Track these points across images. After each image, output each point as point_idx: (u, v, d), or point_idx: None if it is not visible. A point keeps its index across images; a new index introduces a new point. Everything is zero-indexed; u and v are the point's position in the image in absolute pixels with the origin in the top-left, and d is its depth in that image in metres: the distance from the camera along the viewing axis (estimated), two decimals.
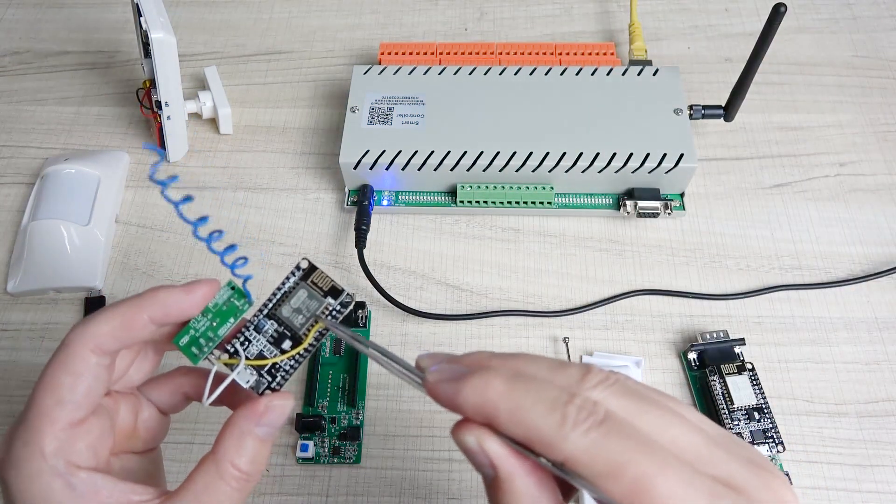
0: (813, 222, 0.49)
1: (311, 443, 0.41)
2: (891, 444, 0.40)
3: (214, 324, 0.27)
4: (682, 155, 0.46)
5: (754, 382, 0.41)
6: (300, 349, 0.27)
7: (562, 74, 0.50)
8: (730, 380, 0.41)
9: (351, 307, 0.28)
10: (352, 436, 0.41)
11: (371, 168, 0.47)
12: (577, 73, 0.50)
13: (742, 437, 0.39)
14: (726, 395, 0.40)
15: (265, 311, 0.27)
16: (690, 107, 0.50)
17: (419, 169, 0.47)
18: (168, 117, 0.49)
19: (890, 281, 0.46)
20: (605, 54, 0.54)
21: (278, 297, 0.28)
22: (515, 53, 0.53)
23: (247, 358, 0.27)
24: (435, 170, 0.47)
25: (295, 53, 0.60)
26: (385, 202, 0.49)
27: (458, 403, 0.22)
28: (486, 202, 0.48)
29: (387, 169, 0.47)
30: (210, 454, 0.25)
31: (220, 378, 0.27)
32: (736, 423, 0.40)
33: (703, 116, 0.50)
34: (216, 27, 0.62)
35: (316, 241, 0.49)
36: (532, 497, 0.21)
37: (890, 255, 0.47)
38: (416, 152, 0.47)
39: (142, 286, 0.47)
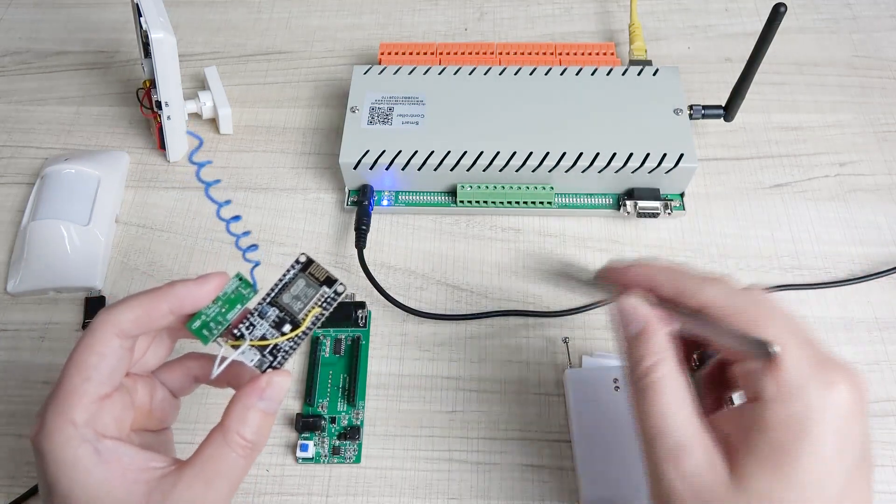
0: (813, 222, 0.49)
1: (311, 443, 0.41)
2: (891, 444, 0.40)
3: (223, 310, 0.30)
4: (682, 155, 0.46)
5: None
6: (299, 331, 0.30)
7: (562, 74, 0.50)
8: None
9: (344, 294, 0.31)
10: (352, 436, 0.41)
11: (371, 168, 0.47)
12: (577, 73, 0.50)
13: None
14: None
15: (268, 299, 0.31)
16: (690, 107, 0.50)
17: (419, 169, 0.47)
18: (168, 117, 0.49)
19: (890, 281, 0.46)
20: (605, 54, 0.54)
21: (279, 286, 0.31)
22: (515, 53, 0.53)
23: (251, 340, 0.30)
24: (435, 170, 0.47)
25: (295, 53, 0.60)
26: (385, 202, 0.49)
27: (629, 273, 0.31)
28: (486, 202, 0.48)
29: (387, 169, 0.47)
30: (218, 426, 0.29)
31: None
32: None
33: (703, 116, 0.50)
34: (216, 27, 0.62)
35: (316, 241, 0.49)
36: (665, 345, 0.28)
37: (890, 255, 0.47)
38: (416, 152, 0.47)
39: (142, 286, 0.47)
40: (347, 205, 0.50)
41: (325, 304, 0.31)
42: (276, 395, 0.29)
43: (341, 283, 0.31)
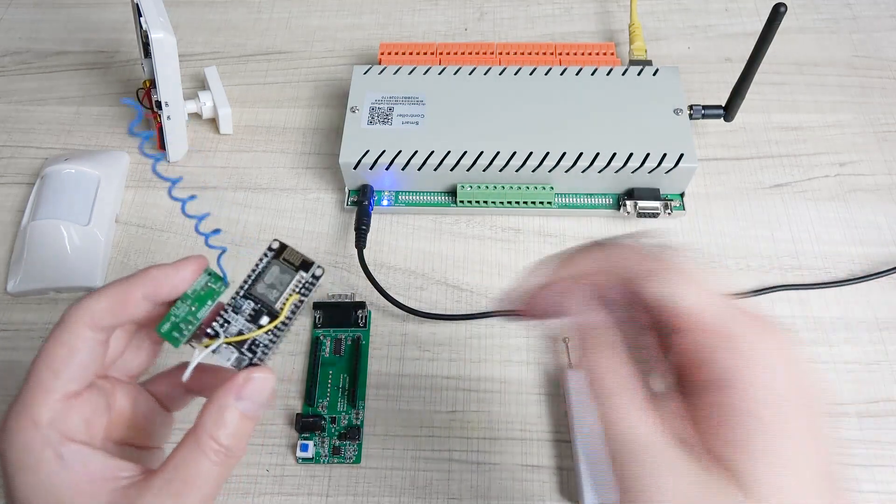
0: (813, 222, 0.49)
1: (311, 443, 0.41)
2: (891, 444, 0.40)
3: (193, 308, 0.28)
4: (682, 155, 0.46)
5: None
6: (277, 322, 0.28)
7: (562, 74, 0.50)
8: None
9: (321, 277, 0.29)
10: (352, 436, 0.41)
11: (371, 168, 0.47)
12: (577, 73, 0.50)
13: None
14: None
15: (241, 292, 0.29)
16: (690, 107, 0.50)
17: (419, 169, 0.47)
18: (168, 117, 0.49)
19: (890, 281, 0.46)
20: (605, 54, 0.54)
21: (253, 277, 0.29)
22: (515, 53, 0.53)
23: (226, 337, 0.28)
24: (435, 170, 0.47)
25: (295, 53, 0.60)
26: (385, 202, 0.49)
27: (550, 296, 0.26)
28: (486, 202, 0.48)
29: (387, 169, 0.47)
30: (191, 429, 0.26)
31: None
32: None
33: (703, 116, 0.50)
34: (216, 27, 0.62)
35: (316, 241, 0.49)
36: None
37: (890, 255, 0.47)
38: (416, 152, 0.47)
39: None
40: (347, 205, 0.50)
41: (303, 290, 0.29)
42: (255, 395, 0.26)
43: (319, 266, 0.29)
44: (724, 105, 0.50)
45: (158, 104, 0.49)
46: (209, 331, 0.28)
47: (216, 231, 0.27)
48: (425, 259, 0.48)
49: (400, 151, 0.47)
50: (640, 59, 0.54)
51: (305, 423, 0.41)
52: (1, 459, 0.25)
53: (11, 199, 0.52)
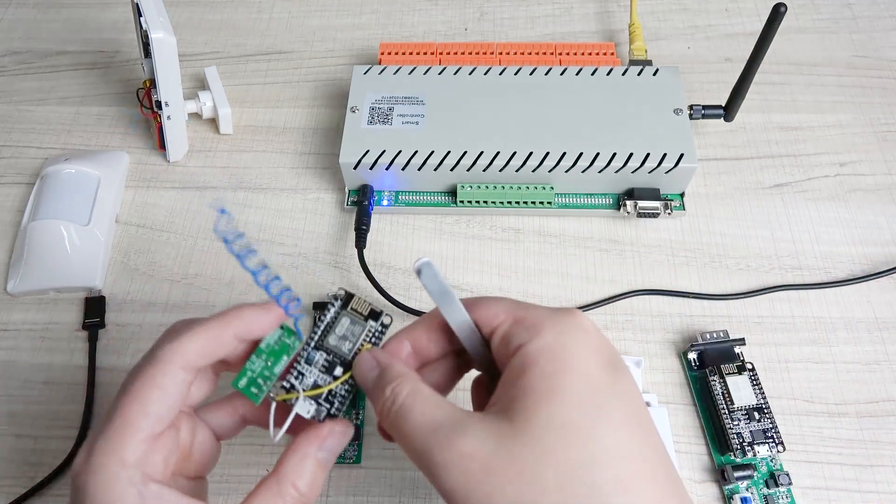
0: (813, 222, 0.49)
1: None
2: (891, 444, 0.40)
3: (269, 363, 0.28)
4: (682, 155, 0.46)
5: (754, 382, 0.41)
6: (351, 373, 0.29)
7: (562, 74, 0.50)
8: (730, 380, 0.41)
9: (390, 325, 0.30)
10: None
11: (371, 168, 0.47)
12: (577, 73, 0.50)
13: (742, 436, 0.39)
14: (726, 395, 0.40)
15: (313, 344, 0.29)
16: (690, 107, 0.50)
17: (419, 169, 0.47)
18: (168, 117, 0.49)
19: (890, 281, 0.46)
20: (605, 54, 0.54)
21: (322, 328, 0.29)
22: (515, 53, 0.53)
23: (304, 390, 0.28)
24: (435, 170, 0.47)
25: (295, 53, 0.60)
26: (385, 202, 0.49)
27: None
28: (486, 202, 0.48)
29: (387, 169, 0.47)
30: (272, 474, 0.27)
31: (280, 411, 0.28)
32: (736, 423, 0.40)
33: (703, 116, 0.50)
34: (216, 27, 0.62)
35: (316, 241, 0.49)
36: (401, 369, 0.28)
37: (890, 255, 0.47)
38: (416, 152, 0.47)
39: (142, 286, 0.47)
40: (347, 205, 0.50)
41: (374, 340, 0.29)
42: (335, 446, 0.28)
43: (387, 315, 0.30)
44: (724, 105, 0.50)
45: (158, 104, 0.49)
46: (284, 383, 0.28)
47: (286, 290, 0.27)
48: None
49: (400, 151, 0.47)
50: (640, 59, 0.54)
51: None
52: (81, 494, 0.25)
53: (11, 199, 0.52)
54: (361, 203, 0.48)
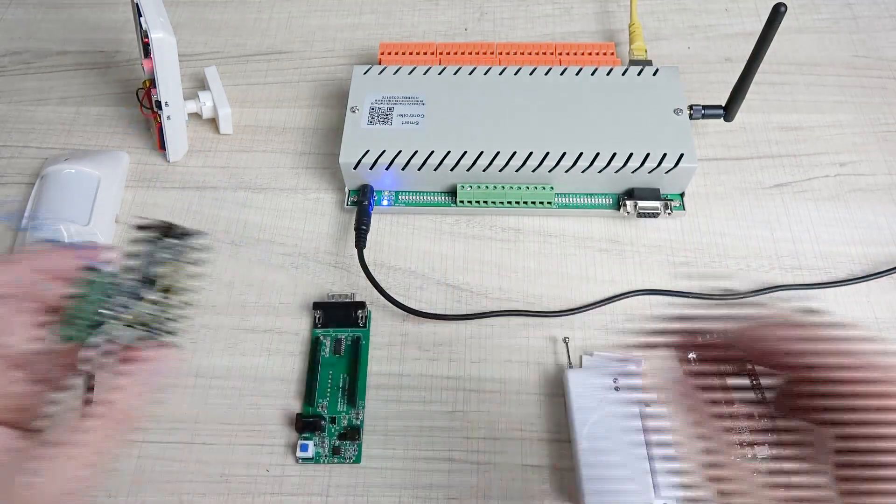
0: (813, 222, 0.49)
1: (311, 443, 0.41)
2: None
3: (84, 305, 0.28)
4: (682, 155, 0.46)
5: (754, 382, 0.41)
6: (163, 291, 0.29)
7: (562, 74, 0.50)
8: (729, 380, 0.41)
9: (193, 239, 0.30)
10: (352, 436, 0.41)
11: (371, 168, 0.47)
12: (577, 73, 0.50)
13: (742, 437, 0.39)
14: (726, 395, 0.40)
15: (121, 275, 0.29)
16: (690, 107, 0.50)
17: (419, 169, 0.47)
18: (168, 117, 0.49)
19: (890, 281, 0.46)
20: (605, 54, 0.54)
21: (124, 258, 0.29)
22: (515, 53, 0.53)
23: (122, 321, 0.28)
24: (435, 170, 0.47)
25: (295, 53, 0.60)
26: (385, 202, 0.49)
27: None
28: (486, 202, 0.48)
29: (387, 169, 0.47)
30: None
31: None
32: (736, 423, 0.40)
33: (703, 116, 0.50)
34: (216, 27, 0.62)
35: (316, 241, 0.49)
36: None
37: (890, 255, 0.47)
38: (416, 152, 0.47)
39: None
40: (347, 205, 0.50)
41: (176, 256, 0.29)
42: (152, 366, 0.28)
43: (187, 228, 0.30)
44: (724, 105, 0.50)
45: (158, 104, 0.49)
46: (98, 317, 0.28)
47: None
48: (425, 259, 0.48)
49: (400, 151, 0.47)
50: (640, 59, 0.54)
51: (305, 423, 0.41)
52: None
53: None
54: (361, 203, 0.48)
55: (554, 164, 0.46)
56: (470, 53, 0.54)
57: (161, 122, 0.50)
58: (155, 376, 0.28)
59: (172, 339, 0.29)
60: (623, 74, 0.50)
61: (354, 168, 0.47)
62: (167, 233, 0.30)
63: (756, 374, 0.41)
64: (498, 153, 0.47)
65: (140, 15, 0.46)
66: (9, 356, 0.29)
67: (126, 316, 0.28)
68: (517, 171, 0.47)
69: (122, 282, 0.29)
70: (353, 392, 0.42)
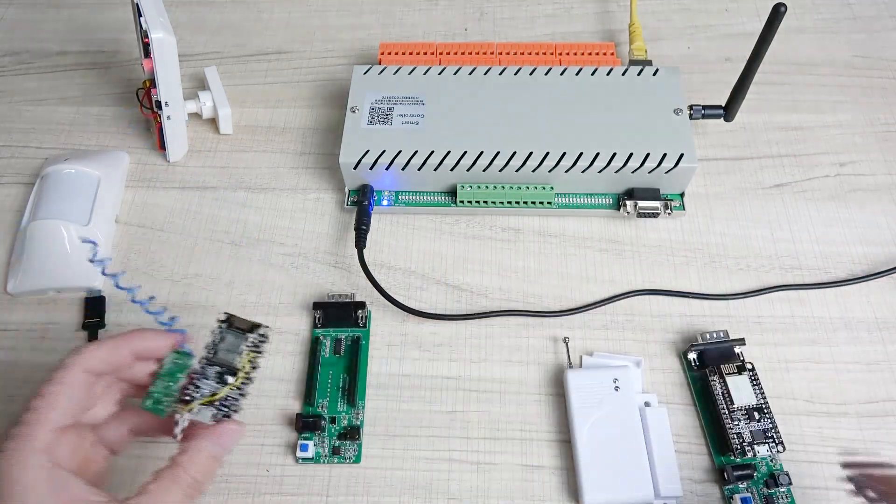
0: (813, 222, 0.49)
1: (311, 443, 0.41)
2: (891, 444, 0.40)
3: (169, 383, 0.34)
4: (682, 155, 0.46)
5: (754, 382, 0.41)
6: (240, 379, 0.34)
7: (562, 74, 0.50)
8: (730, 380, 0.41)
9: (269, 335, 0.36)
10: (352, 436, 0.41)
11: (371, 168, 0.47)
12: (577, 73, 0.50)
13: (742, 437, 0.40)
14: (726, 395, 0.40)
15: (206, 361, 0.34)
16: (690, 107, 0.50)
17: (419, 169, 0.47)
18: (168, 117, 0.49)
19: (890, 281, 0.46)
20: (605, 54, 0.54)
21: (209, 346, 0.35)
22: (515, 53, 0.53)
23: (201, 399, 0.33)
24: (435, 170, 0.47)
25: (295, 53, 0.60)
26: (385, 202, 0.49)
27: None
28: (486, 202, 0.48)
29: (387, 169, 0.47)
30: (170, 464, 0.31)
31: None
32: (736, 423, 0.40)
33: (703, 116, 0.50)
34: (216, 27, 0.62)
35: (316, 241, 0.49)
36: None
37: (890, 255, 0.47)
38: (416, 152, 0.47)
39: (142, 286, 0.47)
40: (347, 205, 0.50)
41: (255, 349, 0.35)
42: (226, 442, 0.32)
43: (264, 326, 0.35)
44: (724, 105, 0.50)
45: (158, 104, 0.49)
46: (184, 397, 0.33)
47: (175, 318, 0.35)
48: (425, 259, 0.48)
49: (400, 151, 0.47)
50: (640, 59, 0.54)
51: (305, 423, 0.41)
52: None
53: (11, 199, 0.52)
54: (361, 203, 0.48)
55: (554, 164, 0.46)
56: (470, 53, 0.54)
57: (161, 122, 0.50)
58: (227, 450, 0.32)
59: (237, 414, 0.34)
60: (623, 74, 0.50)
61: (354, 168, 0.47)
62: (252, 329, 0.35)
63: (756, 374, 0.42)
64: (498, 153, 0.47)
65: (140, 15, 0.46)
66: (91, 425, 0.34)
67: (211, 398, 0.33)
68: (517, 171, 0.47)
69: (207, 368, 0.34)
70: (353, 392, 0.42)
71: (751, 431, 0.40)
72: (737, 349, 0.42)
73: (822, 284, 0.46)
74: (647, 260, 0.47)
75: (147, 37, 0.45)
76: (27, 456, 0.29)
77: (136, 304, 0.34)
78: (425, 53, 0.54)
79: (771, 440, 0.39)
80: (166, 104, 0.49)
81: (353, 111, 0.49)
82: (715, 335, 0.43)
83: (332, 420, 0.42)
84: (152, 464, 0.41)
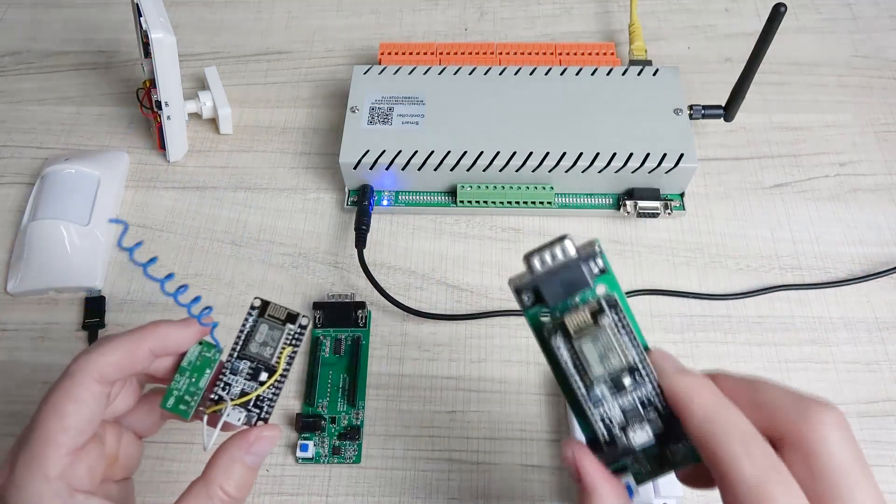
0: (813, 222, 0.49)
1: (311, 443, 0.41)
2: (891, 444, 0.40)
3: (193, 379, 0.29)
4: (682, 155, 0.46)
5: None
6: (276, 376, 0.30)
7: (562, 74, 0.50)
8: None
9: (309, 325, 0.31)
10: (352, 436, 0.41)
11: (371, 168, 0.47)
12: (577, 73, 0.50)
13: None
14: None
15: (235, 354, 0.30)
16: (690, 107, 0.50)
17: (419, 169, 0.47)
18: (168, 117, 0.49)
19: (890, 281, 0.46)
20: (605, 54, 0.54)
21: (243, 338, 0.30)
22: (515, 53, 0.53)
23: (231, 399, 0.29)
24: (435, 170, 0.47)
25: (295, 53, 0.60)
26: (385, 202, 0.49)
27: (670, 383, 0.26)
28: (486, 202, 0.48)
29: (387, 169, 0.47)
30: (200, 478, 0.27)
31: (212, 419, 0.30)
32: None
33: (703, 116, 0.50)
34: (216, 27, 0.62)
35: (316, 241, 0.49)
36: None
37: (890, 255, 0.47)
38: (416, 152, 0.47)
39: (142, 286, 0.47)
40: (347, 205, 0.50)
41: (294, 342, 0.30)
42: (262, 450, 0.28)
43: (304, 316, 0.30)
44: (724, 105, 0.50)
45: (158, 104, 0.49)
46: (212, 396, 0.29)
47: (207, 309, 0.30)
48: (425, 259, 0.48)
49: (400, 151, 0.47)
50: (640, 59, 0.54)
51: (305, 423, 0.41)
52: None
53: (11, 199, 0.52)
54: (361, 203, 0.48)
55: (554, 164, 0.46)
56: (470, 53, 0.54)
57: (161, 122, 0.50)
58: (263, 458, 0.29)
59: (269, 417, 0.30)
60: (623, 74, 0.50)
61: (354, 168, 0.47)
62: (293, 320, 0.30)
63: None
64: (498, 153, 0.47)
65: (140, 15, 0.46)
66: (116, 417, 0.30)
67: (243, 398, 0.29)
68: (517, 171, 0.47)
69: (237, 363, 0.30)
70: (353, 392, 0.42)
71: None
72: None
73: (822, 284, 0.46)
74: (647, 260, 0.47)
75: (147, 37, 0.45)
76: (40, 487, 0.25)
77: (166, 295, 0.29)
78: (425, 53, 0.54)
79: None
80: (166, 104, 0.49)
81: (353, 111, 0.49)
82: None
83: (333, 420, 0.42)
84: (151, 464, 0.41)
